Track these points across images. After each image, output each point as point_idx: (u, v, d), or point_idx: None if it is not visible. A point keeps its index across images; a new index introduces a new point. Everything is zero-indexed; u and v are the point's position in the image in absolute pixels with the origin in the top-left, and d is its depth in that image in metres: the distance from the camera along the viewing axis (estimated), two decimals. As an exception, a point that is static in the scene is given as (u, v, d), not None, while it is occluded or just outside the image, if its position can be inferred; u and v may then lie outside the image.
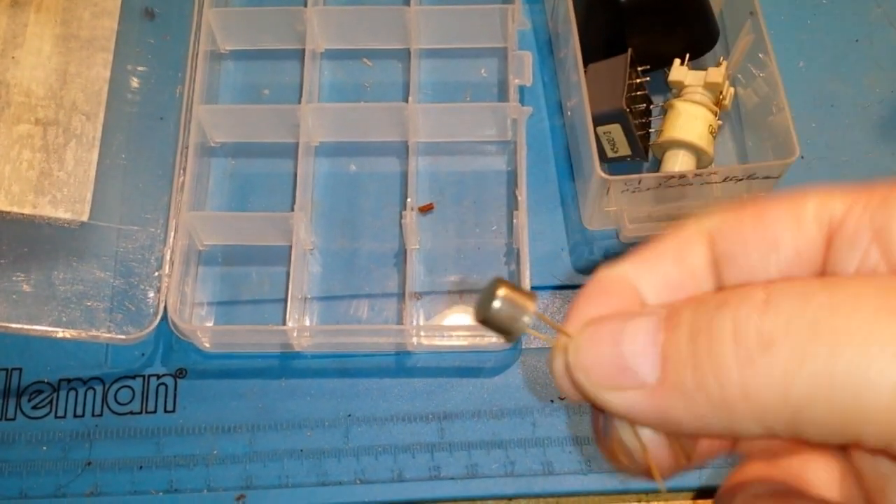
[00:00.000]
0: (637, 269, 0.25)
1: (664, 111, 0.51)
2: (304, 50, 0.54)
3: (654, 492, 0.46)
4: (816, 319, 0.19)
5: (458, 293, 0.51)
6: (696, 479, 0.45)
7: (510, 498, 0.46)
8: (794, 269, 0.24)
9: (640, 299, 0.25)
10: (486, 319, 0.23)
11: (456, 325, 0.50)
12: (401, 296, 0.50)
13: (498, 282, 0.23)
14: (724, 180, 0.47)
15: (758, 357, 0.19)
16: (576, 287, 0.51)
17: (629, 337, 0.21)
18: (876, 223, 0.22)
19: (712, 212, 0.25)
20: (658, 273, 0.25)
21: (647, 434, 0.22)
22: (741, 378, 0.19)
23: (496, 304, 0.23)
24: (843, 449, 0.24)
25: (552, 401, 0.48)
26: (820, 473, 0.25)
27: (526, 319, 0.23)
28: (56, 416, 0.48)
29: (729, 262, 0.25)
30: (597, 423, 0.24)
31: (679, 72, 0.50)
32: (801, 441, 0.21)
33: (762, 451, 0.26)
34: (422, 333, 0.49)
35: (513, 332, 0.23)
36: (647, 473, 0.22)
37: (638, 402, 0.21)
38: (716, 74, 0.49)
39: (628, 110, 0.48)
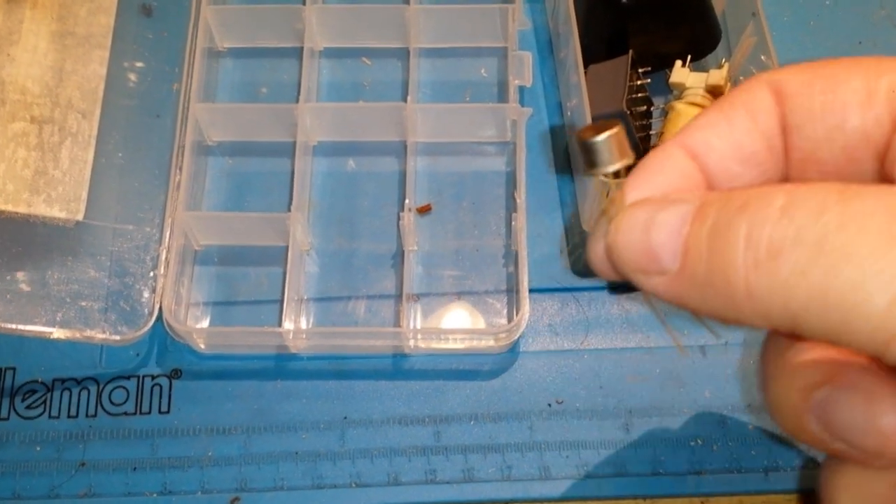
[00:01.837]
0: (707, 137, 0.26)
1: (665, 113, 0.50)
2: (302, 48, 0.54)
3: (652, 496, 0.46)
4: (824, 235, 0.20)
5: (456, 295, 0.50)
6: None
7: (507, 502, 0.46)
8: (858, 148, 0.24)
9: (696, 178, 0.26)
10: (586, 143, 0.25)
11: (453, 328, 0.49)
12: (398, 297, 0.50)
13: (616, 123, 0.25)
14: (724, 184, 0.47)
15: (764, 264, 0.20)
16: (575, 290, 0.50)
17: (658, 226, 0.23)
18: None
19: (781, 68, 0.26)
20: (728, 141, 0.26)
21: None
22: (746, 279, 0.21)
23: (600, 137, 0.25)
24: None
25: (550, 405, 0.47)
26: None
27: (612, 168, 0.25)
28: (50, 417, 0.47)
29: (796, 131, 0.25)
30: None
31: (680, 73, 0.50)
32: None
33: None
34: (419, 336, 0.48)
35: (595, 168, 0.25)
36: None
37: (660, 286, 0.23)
38: (717, 76, 0.49)
39: (629, 112, 0.47)
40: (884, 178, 0.25)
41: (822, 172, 0.26)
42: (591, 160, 0.25)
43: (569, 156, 0.53)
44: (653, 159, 0.27)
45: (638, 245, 0.24)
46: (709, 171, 0.26)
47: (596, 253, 0.26)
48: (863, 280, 0.19)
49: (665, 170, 0.26)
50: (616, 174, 0.25)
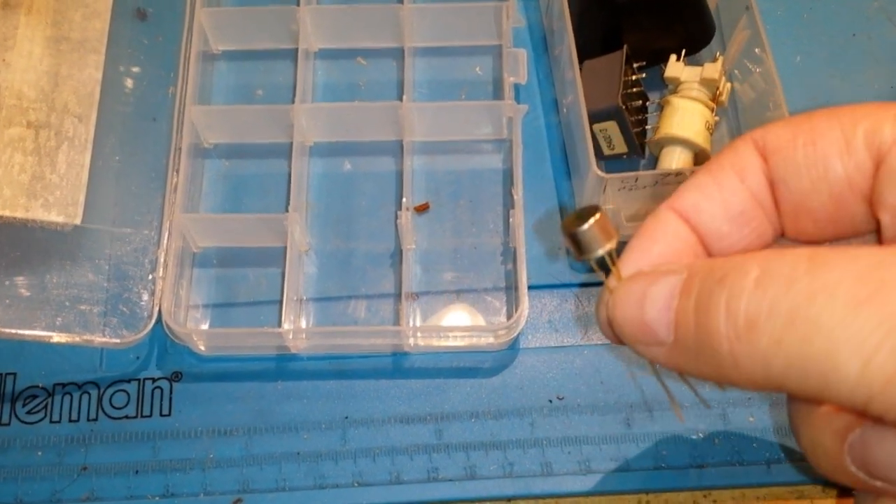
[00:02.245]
0: (696, 200, 0.28)
1: (660, 108, 0.50)
2: (297, 49, 0.54)
3: (655, 491, 0.46)
4: (795, 306, 0.21)
5: (455, 293, 0.50)
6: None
7: (509, 499, 0.46)
8: (844, 194, 0.26)
9: (690, 240, 0.28)
10: (573, 234, 0.27)
11: (453, 326, 0.49)
12: (397, 296, 0.50)
13: (597, 209, 0.27)
14: (721, 177, 0.47)
15: (743, 335, 0.22)
16: (574, 286, 0.50)
17: (650, 302, 0.25)
18: None
19: (765, 126, 0.26)
20: (717, 202, 0.28)
21: None
22: (730, 350, 0.22)
23: (585, 226, 0.26)
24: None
25: (550, 401, 0.47)
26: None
27: (600, 253, 0.27)
28: (51, 421, 0.47)
29: (783, 185, 0.27)
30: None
31: (675, 68, 0.50)
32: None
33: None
34: (419, 334, 0.48)
35: (585, 255, 0.27)
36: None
37: (660, 356, 0.25)
38: (712, 70, 0.49)
39: (624, 107, 0.48)
40: (873, 220, 0.25)
41: (814, 220, 0.27)
42: (579, 248, 0.27)
43: (565, 152, 0.53)
44: (648, 226, 0.28)
45: (634, 320, 0.25)
46: (702, 232, 0.28)
47: (602, 322, 0.28)
48: (834, 349, 0.20)
49: (660, 236, 0.28)
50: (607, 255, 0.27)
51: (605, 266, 0.27)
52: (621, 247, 0.28)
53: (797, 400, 0.26)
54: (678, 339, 0.24)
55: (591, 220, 0.26)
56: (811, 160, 0.26)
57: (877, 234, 0.26)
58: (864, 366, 0.20)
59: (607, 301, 0.27)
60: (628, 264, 0.27)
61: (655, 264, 0.27)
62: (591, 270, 0.48)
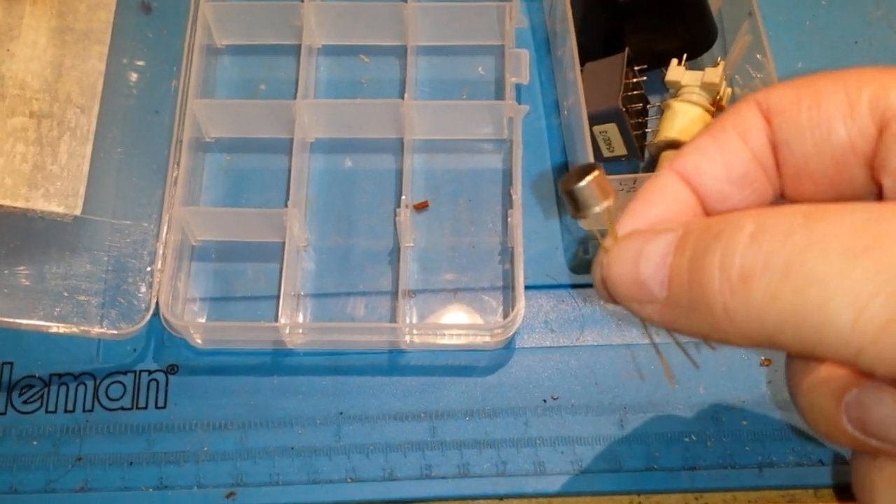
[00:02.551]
0: (698, 162, 0.28)
1: (661, 111, 0.51)
2: (300, 45, 0.54)
3: (646, 492, 0.46)
4: (790, 258, 0.21)
5: (453, 291, 0.51)
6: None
7: (501, 497, 0.46)
8: (846, 158, 0.26)
9: (691, 201, 0.28)
10: (570, 191, 0.27)
11: (450, 324, 0.50)
12: (395, 294, 0.50)
13: (594, 167, 0.27)
14: (720, 181, 0.47)
15: (738, 289, 0.22)
16: (571, 286, 0.51)
17: (645, 258, 0.25)
18: None
19: (769, 87, 0.26)
20: (719, 163, 0.27)
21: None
22: (724, 304, 0.22)
23: (582, 183, 0.26)
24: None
25: (545, 400, 0.48)
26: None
27: (597, 210, 0.26)
28: (47, 411, 0.48)
29: (785, 147, 0.27)
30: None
31: (676, 72, 0.50)
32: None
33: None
34: (415, 332, 0.48)
35: (582, 212, 0.27)
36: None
37: (653, 314, 0.25)
38: (713, 75, 0.49)
39: (624, 110, 0.48)
40: (874, 185, 0.25)
41: (815, 184, 0.27)
42: (576, 206, 0.27)
43: (565, 153, 0.54)
44: (647, 188, 0.28)
45: (629, 277, 0.25)
46: (702, 193, 0.27)
47: (597, 282, 0.27)
48: (828, 300, 0.20)
49: (659, 197, 0.28)
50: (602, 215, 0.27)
51: (601, 227, 0.27)
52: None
53: (795, 362, 0.26)
54: (672, 295, 0.24)
55: (589, 177, 0.26)
56: (815, 123, 0.25)
57: (877, 199, 0.26)
58: (857, 317, 0.20)
59: (602, 260, 0.26)
60: (626, 225, 0.27)
61: (653, 224, 0.27)
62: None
